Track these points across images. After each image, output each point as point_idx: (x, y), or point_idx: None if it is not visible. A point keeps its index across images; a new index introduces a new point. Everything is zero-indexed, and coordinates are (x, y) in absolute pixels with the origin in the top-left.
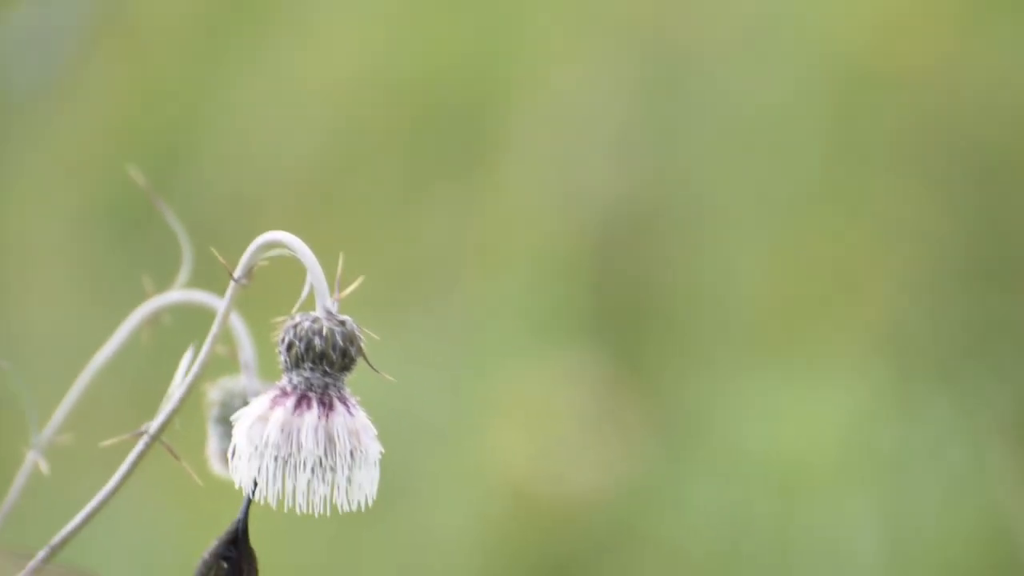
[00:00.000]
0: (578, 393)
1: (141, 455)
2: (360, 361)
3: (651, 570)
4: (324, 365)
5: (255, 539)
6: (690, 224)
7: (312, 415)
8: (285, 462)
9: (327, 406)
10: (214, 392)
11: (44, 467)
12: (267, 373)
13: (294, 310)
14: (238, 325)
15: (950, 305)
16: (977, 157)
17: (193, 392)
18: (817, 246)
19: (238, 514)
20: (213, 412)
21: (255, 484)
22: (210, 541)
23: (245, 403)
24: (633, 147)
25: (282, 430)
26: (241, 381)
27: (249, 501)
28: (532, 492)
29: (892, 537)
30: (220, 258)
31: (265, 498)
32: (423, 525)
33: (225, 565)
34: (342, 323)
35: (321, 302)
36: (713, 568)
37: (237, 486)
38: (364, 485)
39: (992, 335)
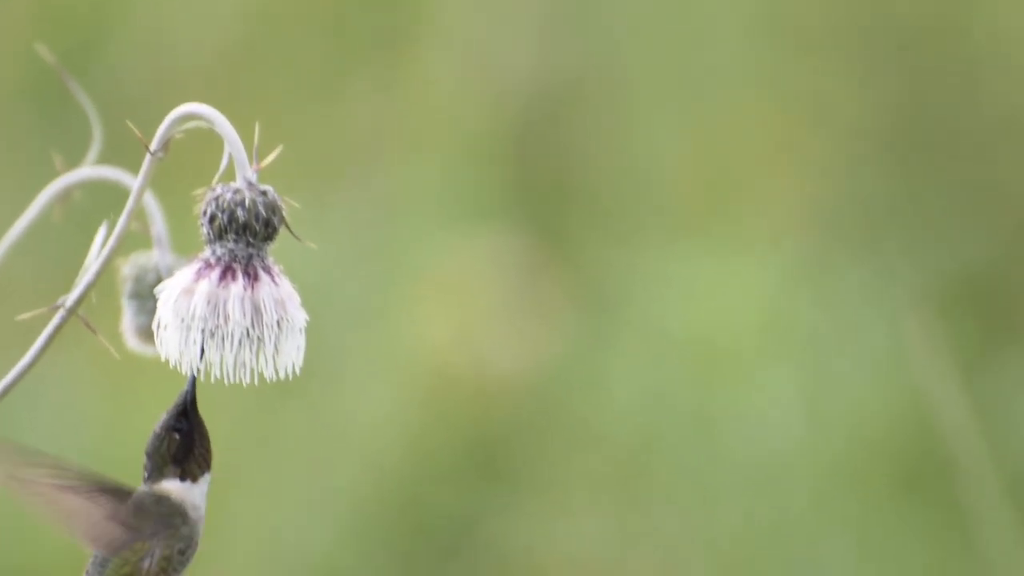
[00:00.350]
0: (500, 273)
1: (57, 328)
2: (281, 232)
3: (574, 450)
4: (248, 236)
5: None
6: (613, 104)
7: (238, 286)
8: (212, 334)
9: (252, 277)
10: (127, 268)
11: None
12: (181, 248)
13: (214, 182)
14: (150, 200)
15: (868, 183)
16: (896, 35)
17: (109, 268)
18: (738, 125)
19: (185, 386)
20: (127, 287)
21: (188, 357)
22: (132, 414)
23: (159, 278)
24: (556, 29)
25: (208, 302)
26: (154, 256)
27: (194, 377)
28: (455, 372)
29: (811, 413)
30: (136, 131)
31: (194, 371)
32: (343, 404)
33: (177, 437)
34: (264, 193)
35: (241, 173)
36: (636, 447)
37: (163, 359)
38: (291, 353)
39: (909, 212)
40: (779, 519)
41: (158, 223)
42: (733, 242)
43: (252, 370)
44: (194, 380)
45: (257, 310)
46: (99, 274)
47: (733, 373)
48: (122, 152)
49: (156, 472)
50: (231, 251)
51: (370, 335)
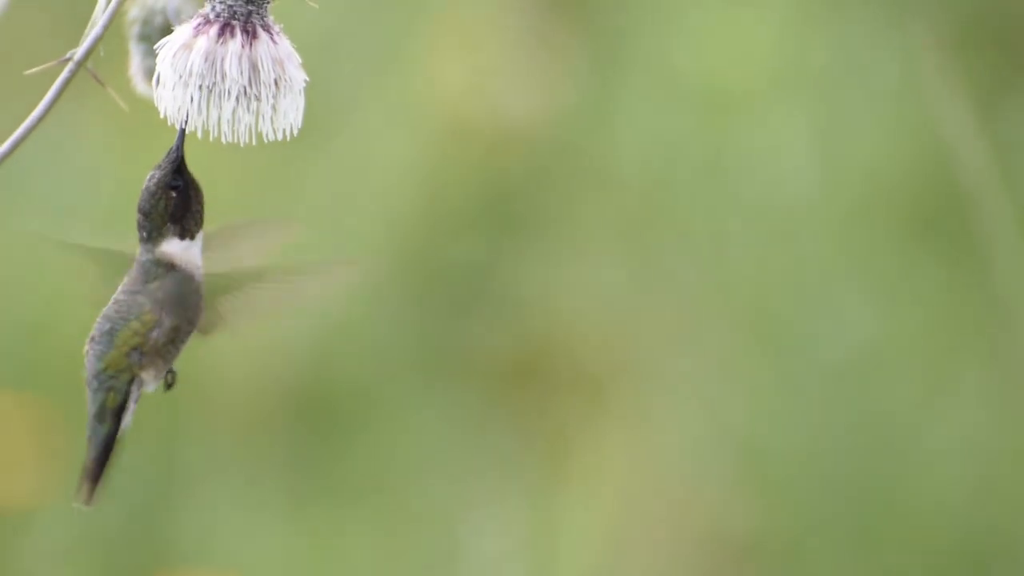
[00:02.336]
0: (514, 21)
1: (66, 82)
2: None
3: (588, 196)
4: None
5: (193, 161)
6: None
7: (236, 43)
8: (210, 91)
9: (250, 34)
10: (135, 10)
11: None
12: None
13: None
14: None
15: None
16: None
17: (117, 20)
18: None
19: (174, 142)
20: (134, 30)
21: (184, 113)
22: (141, 166)
23: (166, 21)
24: None
25: (206, 59)
26: None
27: (183, 131)
28: (469, 120)
29: (824, 150)
30: None
31: (192, 128)
32: (359, 154)
33: (174, 194)
34: None
35: None
36: (649, 192)
37: (162, 116)
38: (289, 113)
39: None
40: (793, 262)
41: None
42: None
43: (249, 129)
44: (183, 135)
45: (255, 68)
46: (107, 27)
47: (745, 116)
48: None
49: (155, 231)
50: (230, 7)
51: (385, 84)
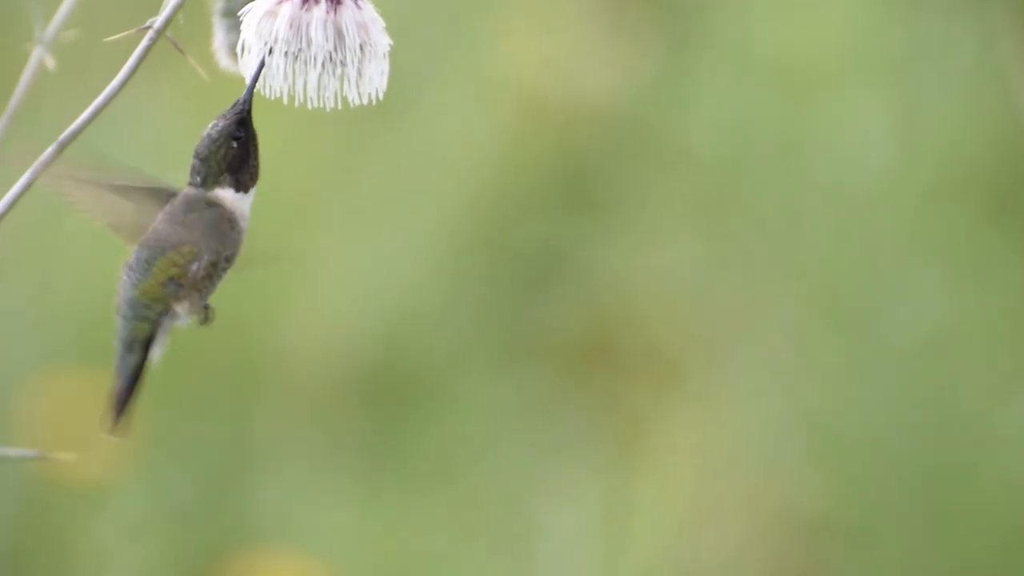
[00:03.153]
0: None
1: (147, 50)
2: None
3: (661, 174)
4: None
5: (267, 140)
6: None
7: (320, 9)
8: (295, 57)
9: (335, 0)
10: None
11: (51, 63)
12: None
13: None
14: None
15: None
16: None
17: None
18: None
19: (243, 95)
20: (218, 5)
21: (264, 78)
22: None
23: None
24: None
25: (291, 25)
26: None
27: (253, 85)
28: (542, 97)
29: (902, 133)
30: None
31: (277, 94)
32: (432, 133)
33: (235, 145)
34: None
35: None
36: (723, 172)
37: (247, 80)
38: (374, 78)
39: None
40: (867, 244)
41: None
42: None
43: (335, 94)
44: (252, 88)
45: (340, 34)
46: None
47: (821, 95)
48: None
49: (211, 179)
50: None
51: (457, 62)
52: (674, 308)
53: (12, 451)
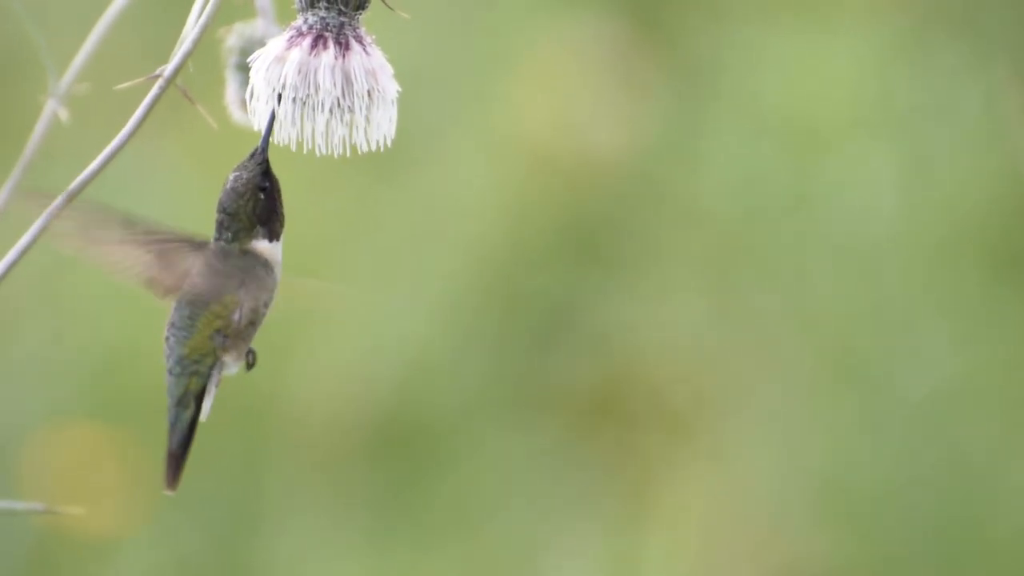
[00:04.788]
0: (595, 52)
1: (156, 99)
2: (375, 4)
3: (671, 228)
4: (339, 4)
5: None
6: None
7: (329, 55)
8: (303, 103)
9: (343, 46)
10: (232, 39)
11: (63, 115)
12: (284, 18)
13: None
14: None
15: None
16: None
17: (208, 38)
18: None
19: (260, 143)
20: (232, 60)
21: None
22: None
23: None
24: None
25: (299, 71)
26: (258, 26)
27: (268, 133)
28: (552, 153)
29: (908, 186)
30: None
31: (285, 141)
32: (443, 186)
33: (262, 196)
34: None
35: None
36: (733, 223)
37: (256, 129)
38: (383, 124)
39: None
40: (876, 299)
41: None
42: (829, 18)
43: (343, 140)
44: (268, 137)
45: (348, 79)
46: (196, 43)
47: (830, 151)
48: None
49: (243, 232)
50: (323, 19)
51: (468, 115)
52: (684, 363)
53: (20, 505)
